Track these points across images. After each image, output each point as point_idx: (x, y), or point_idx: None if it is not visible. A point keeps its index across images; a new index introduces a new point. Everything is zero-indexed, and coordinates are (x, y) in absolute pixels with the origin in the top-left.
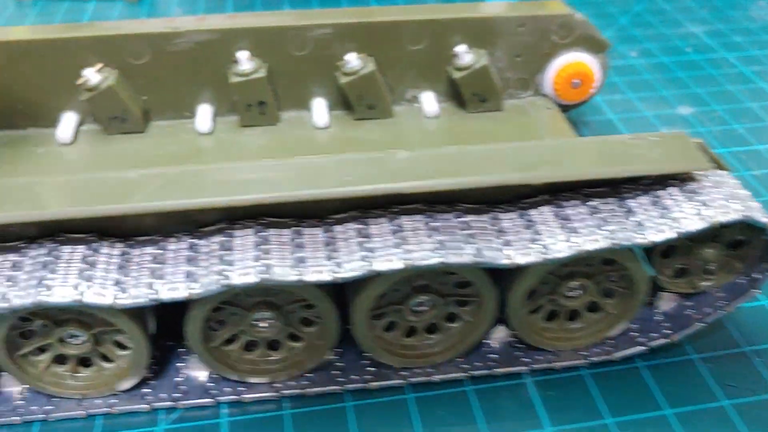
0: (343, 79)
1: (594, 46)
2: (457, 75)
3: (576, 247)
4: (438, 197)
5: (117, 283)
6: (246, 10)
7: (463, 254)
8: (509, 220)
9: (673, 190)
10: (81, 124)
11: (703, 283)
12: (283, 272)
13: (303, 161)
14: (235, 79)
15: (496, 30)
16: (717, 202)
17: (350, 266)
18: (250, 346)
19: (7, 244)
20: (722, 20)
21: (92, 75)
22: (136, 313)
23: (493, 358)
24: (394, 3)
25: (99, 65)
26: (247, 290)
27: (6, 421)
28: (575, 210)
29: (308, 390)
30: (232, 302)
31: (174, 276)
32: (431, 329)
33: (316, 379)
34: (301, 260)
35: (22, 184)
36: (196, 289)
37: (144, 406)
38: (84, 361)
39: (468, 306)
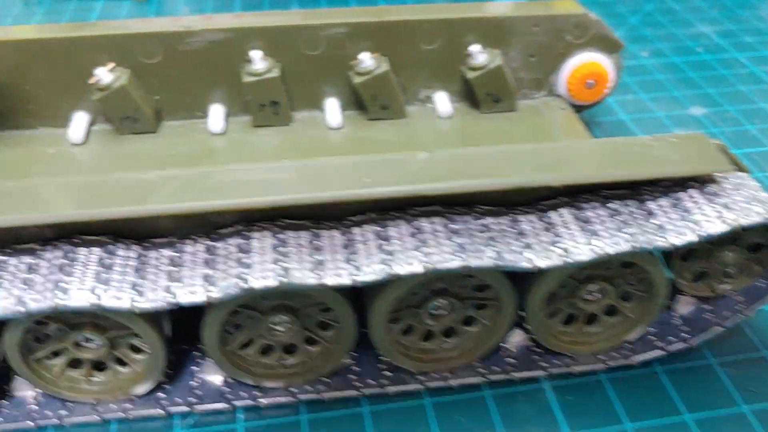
0: (357, 79)
1: (608, 46)
2: (471, 75)
3: (598, 250)
4: (456, 198)
5: (134, 286)
6: (254, 9)
7: (484, 257)
8: (528, 222)
9: (693, 192)
10: (92, 123)
11: (723, 287)
12: (302, 275)
13: (322, 162)
14: (248, 79)
15: (510, 29)
16: (739, 204)
17: (370, 269)
18: (266, 350)
19: (22, 246)
20: (732, 20)
21: (104, 74)
22: (153, 316)
23: (510, 363)
24: (403, 2)
25: (111, 65)
26: (265, 293)
27: (20, 426)
28: (595, 212)
29: (325, 395)
30: (249, 305)
31: (192, 279)
32: (448, 333)
33: (332, 384)
34: (320, 263)
35: (37, 186)
36: (214, 293)
37: (159, 411)
38: (98, 365)
39: (486, 309)
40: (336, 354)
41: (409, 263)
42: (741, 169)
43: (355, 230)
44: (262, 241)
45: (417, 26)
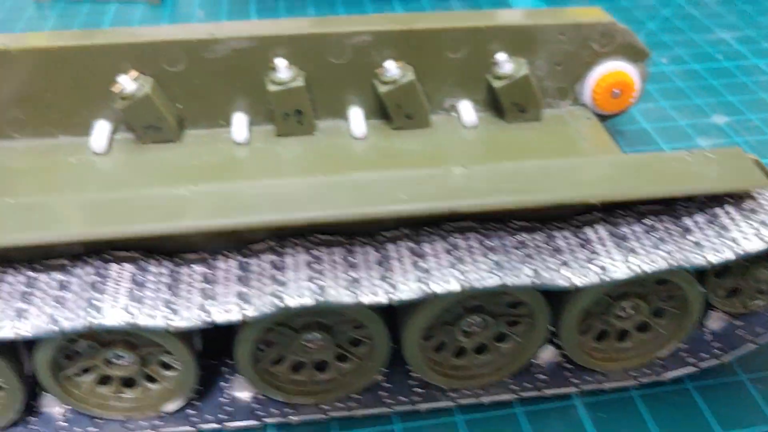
0: (382, 88)
1: (634, 54)
2: (497, 84)
3: (635, 268)
4: (490, 214)
5: (168, 304)
6: (269, 11)
7: (522, 275)
8: (563, 238)
9: (729, 209)
10: (114, 132)
11: (756, 303)
12: (338, 293)
13: (356, 178)
14: (273, 88)
15: (536, 38)
16: None
17: (406, 287)
18: (297, 367)
19: (52, 261)
20: (752, 26)
21: (128, 83)
22: (185, 333)
23: (542, 379)
24: (418, 5)
25: (135, 73)
26: (298, 311)
27: None
28: (630, 228)
29: (356, 412)
30: (283, 322)
31: (226, 297)
32: (479, 349)
33: (363, 401)
34: (355, 281)
35: (71, 201)
36: (249, 311)
37: (190, 429)
38: (128, 382)
39: (519, 326)
40: (368, 371)
41: (446, 281)
42: None
43: (389, 246)
44: (295, 258)
45: (443, 34)
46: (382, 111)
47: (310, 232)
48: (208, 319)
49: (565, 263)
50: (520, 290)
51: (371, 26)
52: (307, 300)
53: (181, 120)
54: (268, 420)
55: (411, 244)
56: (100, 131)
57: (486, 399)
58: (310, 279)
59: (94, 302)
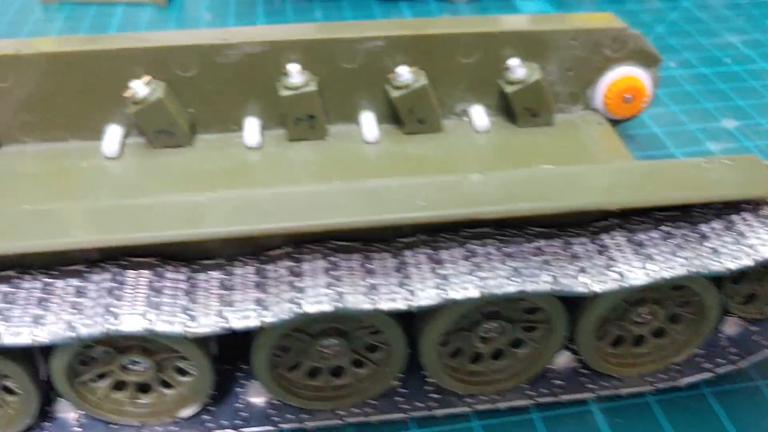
0: (395, 93)
1: (646, 60)
2: (509, 89)
3: (653, 274)
4: (508, 220)
5: (186, 310)
6: (276, 14)
7: (540, 282)
8: (581, 245)
9: (746, 215)
10: (125, 137)
11: None
12: (356, 300)
13: (374, 184)
14: (285, 93)
15: (548, 43)
16: None
17: (425, 294)
18: (313, 373)
19: (68, 267)
20: (760, 29)
21: (140, 87)
22: (202, 339)
23: (558, 384)
24: (425, 8)
25: (147, 78)
26: (316, 317)
27: None
28: (647, 235)
29: (372, 417)
30: (300, 328)
31: (244, 303)
32: (496, 355)
33: (379, 406)
34: (374, 287)
35: (89, 207)
36: (267, 318)
37: None
38: (143, 387)
39: (536, 331)
40: (384, 376)
41: (465, 288)
42: None
43: (407, 253)
44: (313, 264)
45: (455, 40)
46: (394, 116)
47: (326, 239)
48: (227, 326)
49: (583, 270)
50: (538, 296)
51: (383, 31)
52: (326, 306)
53: (193, 124)
54: (284, 425)
55: (428, 251)
56: (112, 136)
57: (502, 404)
58: (329, 285)
59: (112, 308)
